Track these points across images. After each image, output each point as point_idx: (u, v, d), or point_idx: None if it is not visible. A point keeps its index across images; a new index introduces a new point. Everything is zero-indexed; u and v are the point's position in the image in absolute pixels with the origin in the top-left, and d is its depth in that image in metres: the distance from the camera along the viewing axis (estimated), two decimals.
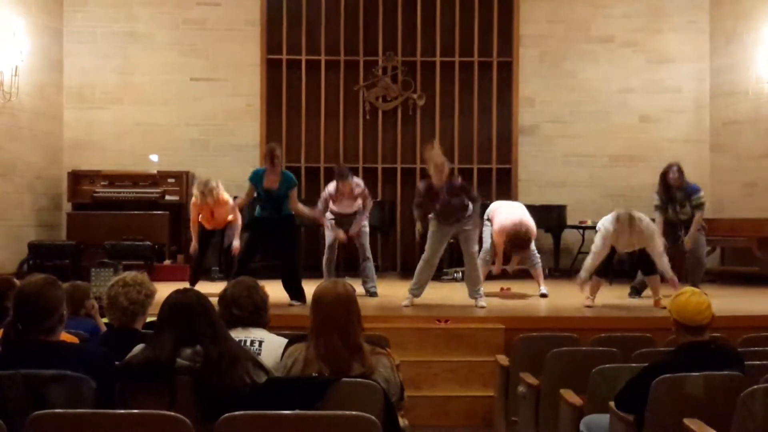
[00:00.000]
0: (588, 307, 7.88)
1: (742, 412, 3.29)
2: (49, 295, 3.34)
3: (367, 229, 9.01)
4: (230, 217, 9.01)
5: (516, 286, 9.65)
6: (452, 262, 10.87)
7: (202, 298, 3.35)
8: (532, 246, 8.87)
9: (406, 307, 7.83)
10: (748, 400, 3.28)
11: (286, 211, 7.96)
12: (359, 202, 8.86)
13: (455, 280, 10.31)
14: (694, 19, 12.49)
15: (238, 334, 3.65)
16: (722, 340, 4.29)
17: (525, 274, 9.57)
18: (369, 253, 8.98)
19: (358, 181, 8.87)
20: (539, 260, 9.05)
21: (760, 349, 4.74)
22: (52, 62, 11.88)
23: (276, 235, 7.96)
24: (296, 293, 7.87)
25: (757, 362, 4.16)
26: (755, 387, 3.32)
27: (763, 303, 8.60)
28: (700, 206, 8.75)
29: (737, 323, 6.56)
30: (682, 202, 8.78)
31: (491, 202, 11.95)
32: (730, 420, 3.32)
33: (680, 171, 8.79)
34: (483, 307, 7.79)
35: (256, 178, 7.97)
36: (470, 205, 7.93)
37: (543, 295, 8.86)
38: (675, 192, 8.80)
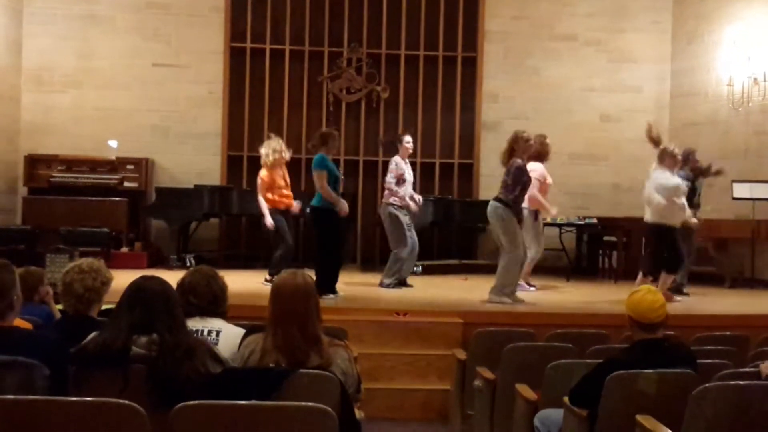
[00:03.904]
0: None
1: (693, 409, 3.34)
2: (1, 279, 3.29)
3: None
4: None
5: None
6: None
7: (166, 286, 3.32)
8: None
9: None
10: (699, 398, 3.33)
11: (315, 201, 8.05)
12: None
13: (415, 273, 10.31)
14: (657, 20, 12.61)
15: (195, 324, 3.62)
16: (676, 339, 4.35)
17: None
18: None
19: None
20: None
21: (713, 348, 4.83)
22: (10, 43, 11.63)
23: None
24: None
25: (709, 361, 4.23)
26: (706, 385, 3.38)
27: (716, 303, 8.76)
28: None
29: (691, 322, 6.68)
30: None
31: (452, 197, 12.06)
32: (682, 417, 3.37)
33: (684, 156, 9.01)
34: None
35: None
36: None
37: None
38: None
